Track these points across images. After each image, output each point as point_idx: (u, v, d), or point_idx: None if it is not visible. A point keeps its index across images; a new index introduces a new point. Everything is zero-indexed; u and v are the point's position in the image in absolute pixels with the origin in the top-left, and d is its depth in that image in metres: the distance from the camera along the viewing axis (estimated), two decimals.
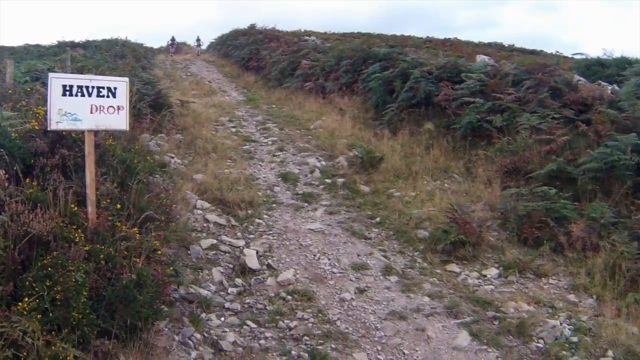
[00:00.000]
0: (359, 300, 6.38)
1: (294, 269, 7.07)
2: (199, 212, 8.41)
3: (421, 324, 5.91)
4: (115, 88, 5.59)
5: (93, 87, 5.47)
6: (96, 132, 5.79)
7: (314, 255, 7.46)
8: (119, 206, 5.59)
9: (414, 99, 12.74)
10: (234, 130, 14.26)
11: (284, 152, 12.23)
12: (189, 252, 7.16)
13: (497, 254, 7.50)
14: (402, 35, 38.61)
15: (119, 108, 5.61)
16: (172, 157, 10.63)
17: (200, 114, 15.15)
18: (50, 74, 5.41)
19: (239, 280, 6.72)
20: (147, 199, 6.17)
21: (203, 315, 5.85)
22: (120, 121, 5.64)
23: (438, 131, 11.81)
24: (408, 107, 12.86)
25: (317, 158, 11.57)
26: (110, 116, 5.56)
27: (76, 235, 4.61)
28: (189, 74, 27.23)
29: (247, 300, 6.31)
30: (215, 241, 7.59)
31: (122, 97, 5.63)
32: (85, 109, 5.41)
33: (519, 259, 7.20)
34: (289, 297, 6.36)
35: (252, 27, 31.48)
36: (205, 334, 5.51)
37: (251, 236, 7.95)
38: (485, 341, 5.65)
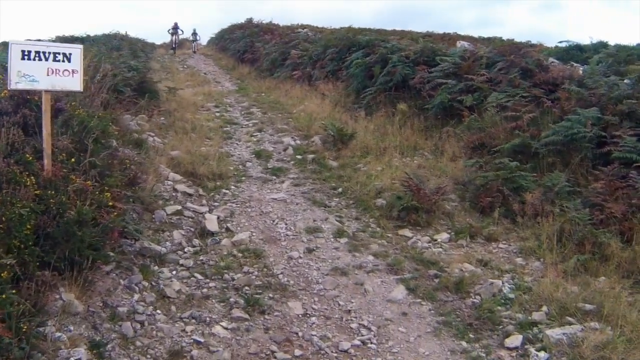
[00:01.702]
0: (306, 259, 6.67)
1: (251, 232, 7.35)
2: (170, 182, 8.70)
3: (361, 279, 6.18)
4: (70, 54, 6.11)
5: (50, 53, 5.97)
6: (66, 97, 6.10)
7: (273, 221, 7.73)
8: (73, 160, 5.89)
9: (390, 82, 12.96)
10: (218, 114, 14.57)
11: (262, 132, 12.52)
12: (153, 216, 7.44)
13: (451, 220, 7.74)
14: (401, 30, 38.67)
15: (73, 72, 6.10)
16: (152, 136, 10.91)
17: (188, 100, 15.46)
18: (11, 41, 5.82)
19: (196, 241, 7.01)
20: (103, 158, 6.44)
21: (155, 268, 6.14)
22: (74, 83, 6.09)
23: (412, 112, 12.03)
24: (385, 90, 13.09)
25: (292, 137, 11.85)
26: (65, 78, 6.02)
27: (27, 180, 4.97)
28: (185, 66, 27.54)
29: (201, 258, 6.60)
30: (180, 207, 7.87)
31: (77, 62, 6.13)
32: (42, 72, 5.93)
33: (470, 225, 7.43)
34: (240, 255, 6.65)
35: (249, 21, 31.76)
36: (153, 283, 5.81)
37: (216, 204, 8.24)
38: (420, 295, 5.92)
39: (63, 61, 5.98)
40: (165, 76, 22.19)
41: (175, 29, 35.93)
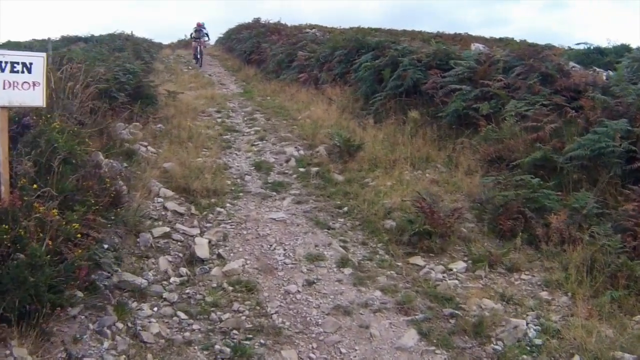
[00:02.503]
0: (305, 293, 5.91)
1: (245, 259, 6.62)
2: (160, 200, 8.00)
3: (366, 321, 5.42)
4: (30, 64, 5.33)
5: (6, 63, 5.19)
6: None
7: (270, 246, 7.00)
8: (35, 186, 5.15)
9: (401, 87, 12.21)
10: (219, 120, 13.85)
11: (264, 141, 11.77)
12: (138, 239, 6.73)
13: (468, 246, 6.97)
14: (412, 31, 37.98)
15: (34, 84, 5.36)
16: (145, 146, 10.21)
17: (188, 104, 14.76)
18: None
19: (184, 270, 6.30)
20: (73, 180, 5.70)
21: (134, 304, 5.44)
22: (35, 97, 5.37)
23: (424, 120, 11.29)
24: (395, 95, 12.35)
25: (296, 147, 11.08)
26: (24, 92, 5.30)
27: None
28: (190, 67, 26.86)
29: (187, 291, 5.89)
30: (168, 229, 7.16)
31: (39, 72, 5.39)
32: None
33: (490, 252, 6.66)
34: (230, 288, 5.92)
35: (257, 20, 31.02)
36: (130, 324, 5.10)
37: (208, 225, 7.51)
38: (434, 341, 5.15)
39: (22, 72, 5.22)
40: (169, 78, 21.64)
41: (199, 31, 26.94)
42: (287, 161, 10.28)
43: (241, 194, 8.74)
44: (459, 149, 9.96)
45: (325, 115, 13.18)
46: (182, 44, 40.81)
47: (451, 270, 6.50)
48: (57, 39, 32.11)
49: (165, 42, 41.85)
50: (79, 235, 5.04)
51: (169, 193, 8.25)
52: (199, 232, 7.26)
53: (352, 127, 11.83)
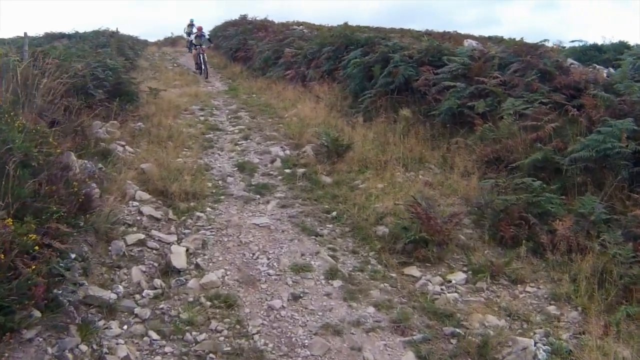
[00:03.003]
0: (290, 309, 5.36)
1: (225, 269, 6.07)
2: (135, 204, 7.42)
3: (358, 342, 4.88)
4: None
5: None
6: None
7: (253, 254, 6.45)
8: None
9: (392, 84, 11.67)
10: (202, 118, 13.26)
11: (248, 140, 11.19)
12: (109, 248, 6.16)
13: (467, 255, 6.44)
14: (400, 29, 37.55)
15: None
16: (123, 145, 9.63)
17: (170, 102, 14.17)
18: None
19: (158, 282, 5.74)
20: (31, 185, 5.10)
21: (101, 322, 4.88)
22: None
23: (416, 118, 10.76)
24: (386, 93, 11.81)
25: (281, 147, 10.52)
26: None
27: None
28: (175, 65, 26.32)
29: (161, 306, 5.34)
30: (143, 236, 6.59)
31: None
32: None
33: (491, 262, 6.14)
34: (208, 304, 5.36)
35: (243, 17, 30.43)
36: (95, 346, 4.55)
37: (187, 231, 6.94)
38: None
39: None
40: (153, 75, 21.13)
41: (200, 37, 23.27)
42: (272, 162, 9.72)
43: (223, 197, 8.17)
44: (453, 149, 9.47)
45: (312, 113, 12.64)
46: (169, 41, 40.34)
47: (450, 282, 5.98)
48: (41, 35, 31.46)
49: (152, 39, 41.24)
50: (37, 248, 4.46)
51: (146, 196, 7.68)
52: (176, 239, 6.71)
53: (341, 126, 11.29)
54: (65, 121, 8.79)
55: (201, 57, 22.06)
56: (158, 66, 24.69)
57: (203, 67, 22.06)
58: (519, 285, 5.90)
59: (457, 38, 31.60)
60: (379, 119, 11.25)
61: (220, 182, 8.79)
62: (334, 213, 7.57)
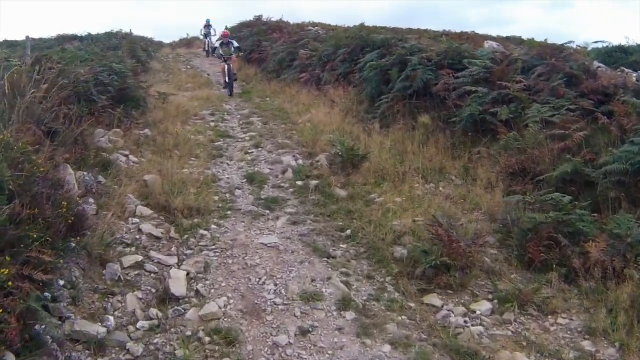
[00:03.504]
0: (297, 346, 4.83)
1: (228, 297, 5.56)
2: (135, 220, 6.94)
3: None
4: None
5: None
6: None
7: (259, 279, 5.92)
8: None
9: (409, 88, 11.11)
10: (212, 124, 12.79)
11: (259, 148, 10.68)
12: (104, 272, 5.68)
13: (492, 280, 5.88)
14: (418, 29, 36.94)
15: None
16: (126, 155, 9.16)
17: (180, 106, 13.71)
18: None
19: (154, 311, 5.24)
20: (5, 212, 4.59)
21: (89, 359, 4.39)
22: None
23: (435, 125, 10.22)
24: (403, 97, 11.26)
25: (294, 156, 10.00)
26: None
27: None
28: (189, 66, 25.88)
29: (156, 340, 4.84)
30: (141, 258, 6.11)
31: None
32: None
33: (519, 290, 5.56)
34: (207, 339, 4.84)
35: (258, 18, 29.88)
36: None
37: (188, 252, 6.45)
38: None
39: None
40: (165, 77, 20.74)
41: (227, 44, 19.43)
42: (283, 172, 9.19)
43: (229, 212, 7.66)
44: (475, 159, 8.91)
45: (327, 118, 12.12)
46: (184, 42, 39.99)
47: (474, 312, 5.42)
48: (53, 37, 31.25)
49: (167, 40, 40.91)
50: (10, 283, 3.97)
51: (147, 212, 7.21)
52: (176, 261, 6.21)
53: (356, 133, 10.76)
54: (64, 130, 8.35)
55: (227, 68, 17.82)
56: (171, 68, 24.28)
57: (229, 81, 17.81)
58: (549, 316, 5.34)
59: (475, 38, 30.93)
60: (396, 125, 10.72)
61: (227, 195, 8.29)
62: (348, 231, 7.03)
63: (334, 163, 9.16)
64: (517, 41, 39.05)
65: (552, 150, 7.96)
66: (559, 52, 10.71)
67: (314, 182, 8.54)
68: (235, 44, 19.05)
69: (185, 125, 12.22)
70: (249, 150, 10.49)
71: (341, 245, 6.74)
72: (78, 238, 5.67)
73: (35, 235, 4.56)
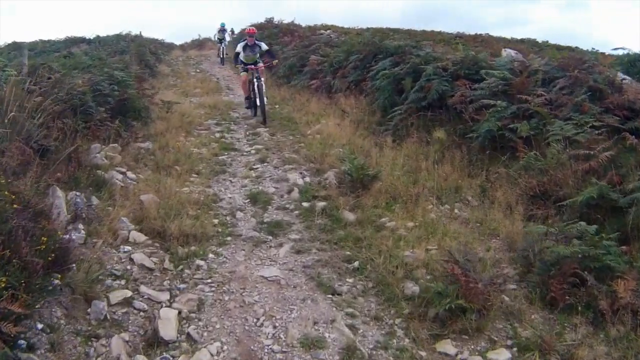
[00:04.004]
0: None
1: (222, 342, 5.04)
2: (127, 248, 6.45)
3: None
4: None
5: None
6: None
7: (257, 319, 5.40)
8: None
9: (424, 100, 10.60)
10: (217, 135, 12.29)
11: (265, 164, 10.15)
12: (88, 310, 5.20)
13: (512, 323, 5.34)
14: (432, 31, 36.47)
15: None
16: (123, 172, 8.70)
17: (184, 116, 13.25)
18: None
19: (140, 358, 4.73)
20: None
21: None
22: None
23: (451, 140, 9.67)
24: (417, 110, 10.73)
25: (301, 173, 9.45)
26: None
27: None
28: (198, 70, 25.49)
29: None
30: (130, 293, 5.61)
31: None
32: None
33: (540, 337, 5.01)
34: None
35: (269, 21, 29.44)
36: None
37: (182, 286, 5.94)
38: None
39: None
40: (174, 82, 20.32)
41: (253, 47, 20.13)
42: (289, 192, 8.66)
43: (229, 238, 7.15)
44: (493, 179, 8.36)
45: (337, 131, 11.61)
46: (196, 43, 39.72)
47: None
48: (61, 39, 31.00)
49: (178, 42, 40.63)
50: None
51: (141, 238, 6.74)
52: (168, 297, 5.70)
53: (367, 147, 10.24)
54: (57, 147, 7.92)
55: (256, 85, 13.28)
56: (180, 72, 23.89)
57: (258, 102, 13.55)
58: None
59: (489, 41, 30.49)
60: (409, 139, 10.20)
61: (228, 217, 7.79)
62: (356, 263, 6.47)
63: (343, 182, 8.62)
64: (532, 43, 38.66)
65: (576, 172, 7.43)
66: (581, 62, 10.13)
67: (321, 204, 7.99)
68: (265, 46, 14.67)
69: (189, 136, 11.77)
70: (254, 166, 9.97)
71: (348, 280, 6.19)
72: (62, 274, 5.20)
73: (3, 284, 4.08)
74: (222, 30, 29.06)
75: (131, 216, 7.17)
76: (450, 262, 5.68)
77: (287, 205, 8.21)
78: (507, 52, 12.90)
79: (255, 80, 13.25)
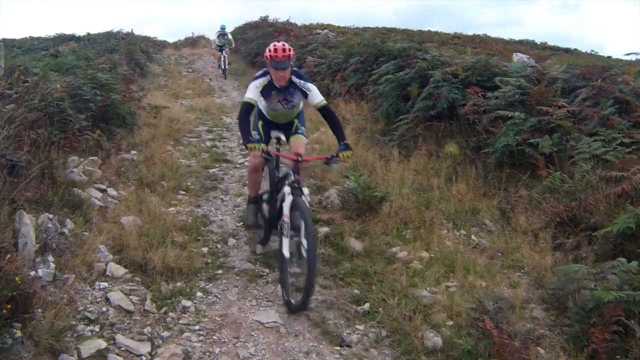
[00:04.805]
0: None
1: None
2: (103, 285, 5.60)
3: None
4: None
5: None
6: None
7: None
8: None
9: (433, 108, 9.75)
10: (209, 144, 11.42)
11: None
12: None
13: None
14: (428, 31, 36.01)
15: None
16: (103, 190, 7.83)
17: (174, 121, 12.37)
18: None
19: None
20: None
21: None
22: None
23: (464, 155, 8.85)
24: (425, 119, 9.90)
25: None
26: None
27: None
28: (191, 70, 24.63)
29: None
30: (104, 345, 4.74)
31: None
32: None
33: None
34: None
35: (264, 19, 28.56)
36: None
37: (165, 334, 5.06)
38: None
39: None
40: (165, 82, 19.51)
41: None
42: None
43: (220, 271, 6.28)
44: (513, 201, 7.56)
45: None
46: (189, 41, 39.16)
47: None
48: (51, 37, 30.18)
49: (172, 39, 39.99)
50: None
51: (120, 271, 5.88)
52: (149, 349, 4.83)
53: (372, 161, 9.38)
54: (30, 161, 7.06)
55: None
56: (171, 72, 23.02)
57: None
58: None
59: (487, 42, 29.99)
60: (417, 151, 9.37)
61: (219, 245, 6.92)
62: (367, 305, 5.61)
63: (347, 203, 7.77)
64: (530, 45, 38.21)
65: (608, 196, 6.65)
66: (604, 71, 9.34)
67: (324, 230, 7.11)
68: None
69: (178, 145, 10.90)
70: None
71: (358, 327, 5.33)
72: (23, 324, 4.37)
73: None
74: (223, 34, 24.08)
75: (110, 244, 6.32)
76: (478, 312, 4.85)
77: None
78: (519, 57, 12.11)
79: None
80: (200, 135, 12.11)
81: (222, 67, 22.73)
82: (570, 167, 7.48)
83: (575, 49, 37.67)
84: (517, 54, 13.34)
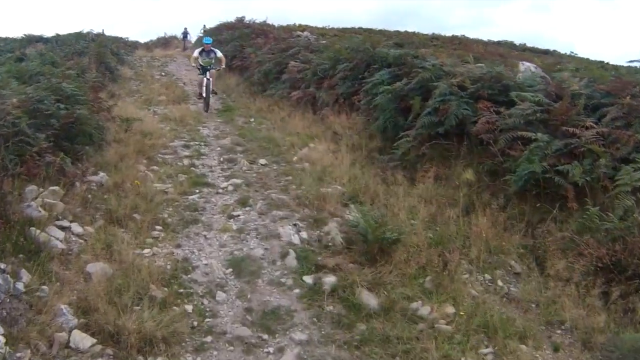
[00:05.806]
0: None
1: None
2: None
3: None
4: None
5: None
6: None
7: None
8: None
9: (440, 125, 8.70)
10: (186, 162, 10.21)
11: (248, 207, 8.04)
12: None
13: None
14: (406, 32, 35.27)
15: None
16: (66, 228, 6.65)
17: (146, 137, 11.17)
18: None
19: None
20: None
21: None
22: None
23: (479, 180, 7.84)
24: (430, 137, 8.85)
25: (295, 225, 7.40)
26: None
27: None
28: (164, 73, 23.42)
29: None
30: None
31: None
32: None
33: None
34: None
35: (240, 20, 27.37)
36: None
37: None
38: None
39: None
40: (136, 87, 18.40)
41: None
42: (282, 257, 6.57)
43: (209, 338, 5.13)
44: (540, 240, 6.55)
45: (330, 158, 9.70)
46: (161, 41, 38.45)
47: None
48: (18, 38, 28.78)
49: (144, 39, 38.95)
50: None
51: (86, 343, 4.74)
52: None
53: (373, 187, 8.32)
54: None
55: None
56: (143, 75, 21.83)
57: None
58: None
59: (466, 43, 29.34)
60: (423, 173, 8.33)
61: (205, 300, 5.74)
62: None
63: (352, 242, 6.67)
64: (509, 46, 37.71)
65: None
66: (630, 86, 8.38)
67: (329, 281, 5.95)
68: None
69: (151, 164, 9.70)
70: (234, 212, 7.81)
71: None
72: None
73: None
74: (208, 51, 16.56)
75: (75, 302, 5.19)
76: None
77: (282, 279, 6.15)
78: (526, 66, 11.11)
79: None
80: (176, 151, 10.90)
81: (204, 94, 15.72)
82: (604, 199, 6.52)
83: (555, 50, 37.26)
84: (524, 62, 12.34)
